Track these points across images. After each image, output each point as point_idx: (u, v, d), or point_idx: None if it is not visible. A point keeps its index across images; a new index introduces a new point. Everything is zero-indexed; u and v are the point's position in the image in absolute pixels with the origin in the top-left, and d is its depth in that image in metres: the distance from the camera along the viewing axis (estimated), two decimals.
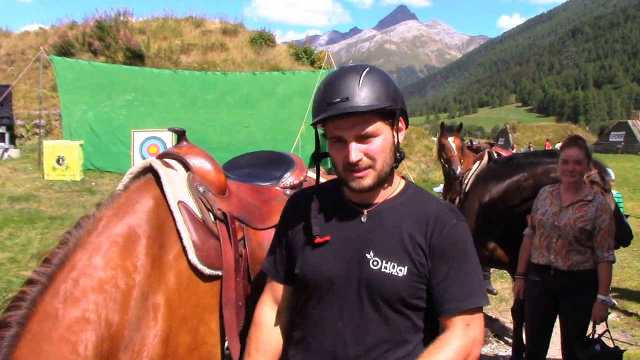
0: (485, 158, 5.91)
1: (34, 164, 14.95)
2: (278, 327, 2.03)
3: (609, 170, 4.89)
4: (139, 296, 2.03)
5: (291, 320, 2.02)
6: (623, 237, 4.54)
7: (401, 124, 1.86)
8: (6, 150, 16.17)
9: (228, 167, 3.02)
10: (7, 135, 16.44)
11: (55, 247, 2.00)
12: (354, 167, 1.77)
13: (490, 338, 6.20)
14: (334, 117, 1.74)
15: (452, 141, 7.55)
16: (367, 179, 1.79)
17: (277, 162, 3.09)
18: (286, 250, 2.00)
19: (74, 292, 1.87)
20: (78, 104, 15.57)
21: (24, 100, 18.44)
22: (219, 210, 2.41)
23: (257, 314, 2.05)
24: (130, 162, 14.20)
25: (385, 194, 1.90)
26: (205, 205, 2.39)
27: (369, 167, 1.78)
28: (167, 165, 2.43)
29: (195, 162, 2.51)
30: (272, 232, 2.24)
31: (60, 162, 13.69)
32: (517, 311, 5.45)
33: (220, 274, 2.31)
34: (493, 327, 6.51)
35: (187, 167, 2.50)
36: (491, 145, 6.91)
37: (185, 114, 15.77)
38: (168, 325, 2.08)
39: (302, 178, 2.99)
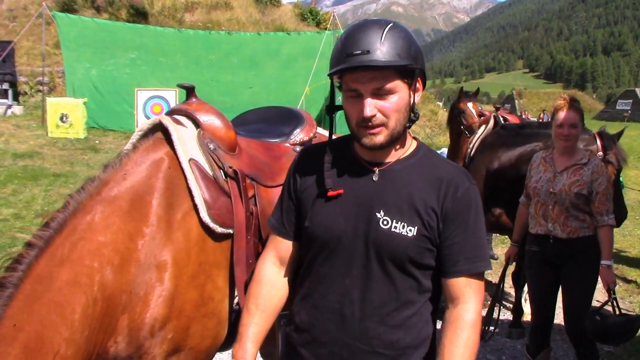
0: (491, 122, 5.84)
1: (38, 121, 14.94)
2: (279, 284, 2.03)
3: (624, 155, 4.72)
4: (142, 259, 2.04)
5: (295, 277, 2.03)
6: (618, 217, 4.49)
7: (419, 85, 1.82)
8: (9, 107, 16.12)
9: (236, 123, 2.97)
10: (10, 92, 16.37)
11: (56, 211, 2.01)
12: (367, 123, 1.74)
13: (489, 302, 6.24)
14: (352, 70, 1.71)
15: (471, 107, 7.22)
16: (380, 136, 1.76)
17: (286, 118, 3.03)
18: (295, 205, 1.99)
19: (71, 255, 1.89)
20: (81, 61, 15.48)
21: (26, 57, 18.33)
22: (230, 167, 2.39)
23: (259, 270, 2.04)
24: (133, 121, 14.17)
25: (397, 154, 1.87)
26: (216, 163, 2.37)
27: (382, 124, 1.75)
28: (177, 122, 2.41)
29: (206, 118, 2.48)
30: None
31: (64, 119, 13.66)
32: (517, 276, 5.48)
33: (231, 232, 2.30)
34: (493, 291, 6.55)
35: (197, 123, 2.46)
36: (497, 109, 6.74)
37: (189, 73, 15.60)
38: (174, 284, 2.09)
39: (311, 134, 2.95)
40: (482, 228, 1.86)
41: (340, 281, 1.83)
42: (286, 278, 2.04)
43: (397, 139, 1.82)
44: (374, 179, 1.85)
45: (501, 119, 5.88)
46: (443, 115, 22.17)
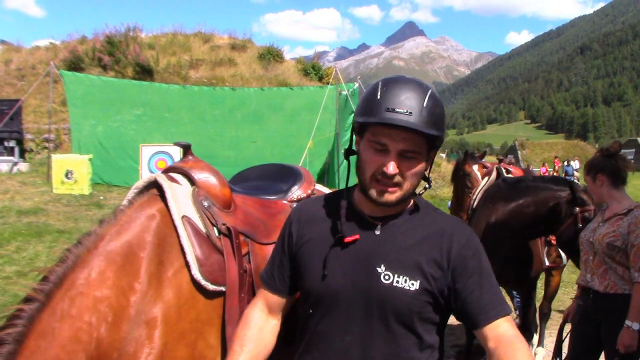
0: (494, 174, 5.81)
1: (43, 177, 15.02)
2: (267, 330, 2.00)
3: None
4: (133, 316, 2.02)
5: (283, 331, 2.00)
6: None
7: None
8: (16, 164, 16.26)
9: (236, 180, 3.01)
10: (16, 149, 16.53)
11: (54, 265, 2.01)
12: (385, 180, 1.75)
13: None
14: (391, 126, 1.71)
15: (476, 170, 7.24)
16: (392, 196, 1.77)
17: (284, 175, 3.06)
18: (288, 260, 1.97)
19: (70, 311, 1.88)
20: (87, 118, 15.66)
21: (33, 115, 18.59)
22: (224, 225, 2.39)
23: (246, 314, 2.02)
24: (138, 177, 14.21)
25: (396, 208, 1.86)
26: (209, 220, 2.38)
27: (398, 184, 1.76)
28: (172, 179, 2.44)
29: (201, 176, 2.50)
30: None
31: (69, 176, 13.74)
32: (524, 328, 5.37)
33: (224, 289, 2.29)
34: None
35: (192, 181, 2.49)
36: (500, 161, 6.72)
37: (193, 129, 15.80)
38: (164, 341, 2.07)
39: (309, 191, 2.96)
40: (492, 274, 1.84)
41: (340, 338, 1.79)
42: (274, 328, 2.01)
43: (404, 201, 1.83)
44: (376, 233, 1.83)
45: (504, 170, 5.85)
46: (446, 167, 22.25)
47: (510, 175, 5.75)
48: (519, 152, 67.61)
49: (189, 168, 2.53)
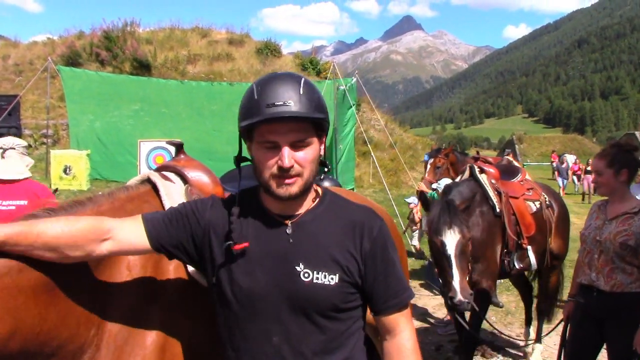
0: (467, 173, 5.66)
1: (42, 173, 15.04)
2: (90, 235, 1.75)
3: None
4: (141, 294, 2.05)
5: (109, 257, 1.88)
6: None
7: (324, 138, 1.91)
8: None
9: (226, 179, 3.05)
10: None
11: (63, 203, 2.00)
12: (284, 174, 1.76)
13: (493, 352, 6.15)
14: (271, 121, 1.73)
15: (430, 163, 7.74)
16: (295, 187, 1.78)
17: None
18: (189, 241, 1.88)
19: None
20: (85, 113, 15.70)
21: (32, 110, 18.59)
22: None
23: (85, 219, 1.79)
24: (136, 172, 14.22)
25: (305, 204, 1.89)
26: None
27: (298, 175, 1.78)
28: (165, 177, 2.47)
29: (193, 174, 2.55)
30: None
31: (68, 171, 13.77)
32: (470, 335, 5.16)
33: None
34: (499, 340, 6.46)
35: (184, 179, 2.53)
36: (475, 159, 6.43)
37: (191, 124, 15.84)
38: (164, 335, 2.08)
39: None
40: (398, 261, 1.92)
41: (269, 339, 1.81)
42: (105, 245, 1.78)
43: (308, 190, 1.86)
44: (287, 232, 1.84)
45: (477, 169, 5.65)
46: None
47: (484, 175, 5.53)
48: (517, 146, 67.56)
49: (181, 167, 2.58)
